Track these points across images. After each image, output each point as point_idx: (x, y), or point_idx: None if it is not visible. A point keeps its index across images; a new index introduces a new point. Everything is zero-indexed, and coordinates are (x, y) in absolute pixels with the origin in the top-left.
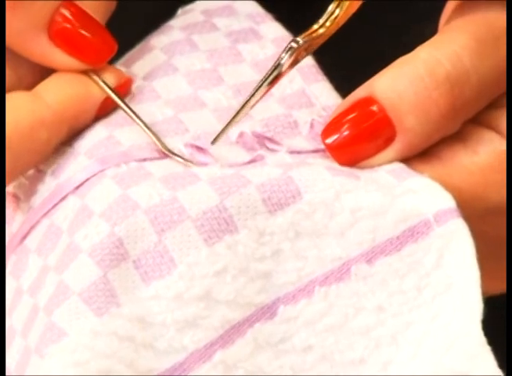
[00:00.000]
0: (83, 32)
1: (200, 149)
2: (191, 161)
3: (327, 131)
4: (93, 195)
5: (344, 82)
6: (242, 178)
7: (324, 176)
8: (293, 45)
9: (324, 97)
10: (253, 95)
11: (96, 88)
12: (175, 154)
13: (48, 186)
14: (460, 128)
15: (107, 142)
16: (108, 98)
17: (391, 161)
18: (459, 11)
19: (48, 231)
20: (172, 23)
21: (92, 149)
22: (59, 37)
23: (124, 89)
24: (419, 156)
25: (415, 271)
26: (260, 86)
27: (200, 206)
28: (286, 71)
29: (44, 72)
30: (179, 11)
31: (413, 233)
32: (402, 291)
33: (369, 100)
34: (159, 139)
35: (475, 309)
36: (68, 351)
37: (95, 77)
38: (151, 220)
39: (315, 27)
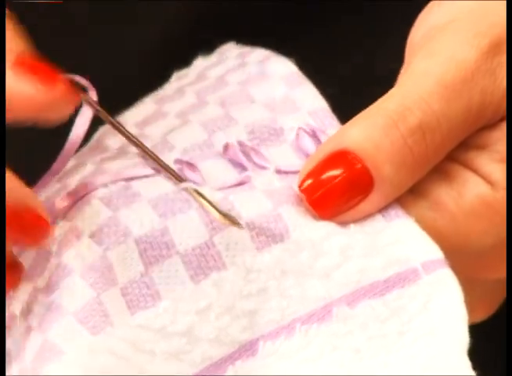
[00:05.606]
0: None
1: (189, 164)
2: (201, 192)
3: (308, 189)
4: (82, 216)
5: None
6: (232, 210)
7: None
8: None
9: (309, 101)
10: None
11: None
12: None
13: None
14: (446, 168)
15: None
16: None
17: (368, 213)
18: (425, 48)
19: (37, 256)
20: (180, 86)
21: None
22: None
23: None
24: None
25: (398, 316)
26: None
27: (189, 242)
28: None
29: None
30: (173, 76)
31: (400, 279)
32: (383, 335)
33: (344, 153)
34: (174, 173)
35: (461, 343)
36: (66, 369)
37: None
38: (140, 252)
39: None
